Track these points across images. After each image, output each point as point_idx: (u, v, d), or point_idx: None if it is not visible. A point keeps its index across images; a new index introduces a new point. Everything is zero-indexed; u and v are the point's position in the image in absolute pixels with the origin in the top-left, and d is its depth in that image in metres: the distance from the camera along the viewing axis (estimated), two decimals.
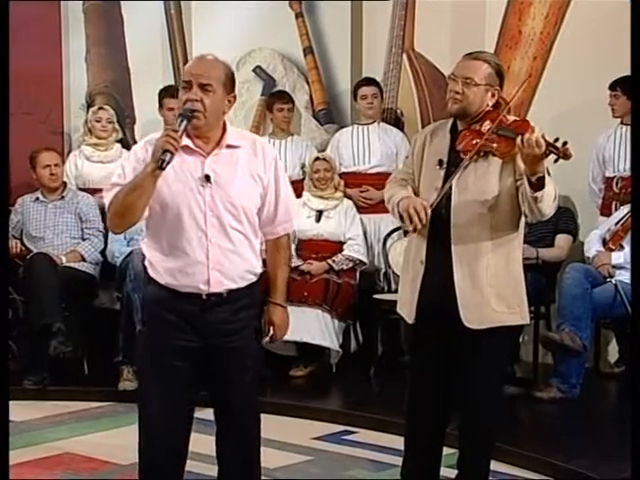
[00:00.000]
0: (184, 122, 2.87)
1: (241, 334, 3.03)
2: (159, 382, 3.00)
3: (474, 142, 3.23)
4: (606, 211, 5.39)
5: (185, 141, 2.93)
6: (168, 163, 2.81)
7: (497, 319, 3.28)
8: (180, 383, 3.00)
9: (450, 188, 3.25)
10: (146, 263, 3.04)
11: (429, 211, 3.19)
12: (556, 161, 3.10)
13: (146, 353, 3.09)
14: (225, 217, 2.96)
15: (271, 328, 3.17)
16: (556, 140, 3.07)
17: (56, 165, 5.77)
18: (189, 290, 2.96)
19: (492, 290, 3.26)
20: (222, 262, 2.96)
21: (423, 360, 3.43)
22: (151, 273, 3.01)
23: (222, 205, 2.95)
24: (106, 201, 2.97)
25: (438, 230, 3.27)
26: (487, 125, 3.24)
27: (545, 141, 3.04)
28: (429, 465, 3.48)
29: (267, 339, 3.17)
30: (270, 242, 3.17)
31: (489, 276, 3.26)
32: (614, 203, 5.34)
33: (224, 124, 3.01)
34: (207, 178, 2.94)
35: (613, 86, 5.29)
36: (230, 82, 2.99)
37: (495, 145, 3.21)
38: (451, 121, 3.38)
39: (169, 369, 2.98)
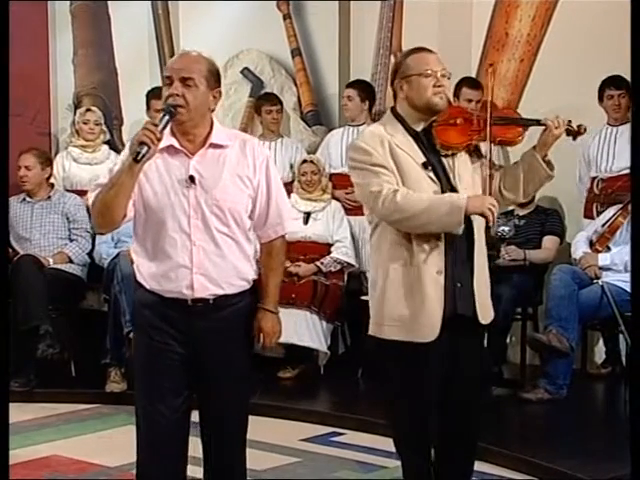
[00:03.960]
0: (165, 117, 2.80)
1: (230, 343, 2.95)
2: (149, 387, 2.94)
3: (470, 134, 3.12)
4: (588, 213, 5.37)
5: (170, 141, 2.87)
6: (144, 156, 2.71)
7: (491, 311, 3.23)
8: (170, 387, 2.93)
9: (451, 185, 3.11)
10: (134, 267, 2.98)
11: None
12: (574, 139, 3.19)
13: (136, 358, 3.03)
14: (210, 220, 2.87)
15: (260, 335, 3.04)
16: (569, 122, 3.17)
17: (27, 167, 5.64)
18: (173, 295, 2.89)
19: (486, 282, 3.21)
20: (207, 266, 2.88)
21: (426, 372, 3.19)
22: (138, 277, 2.96)
23: (207, 207, 2.87)
24: (90, 201, 2.90)
25: (454, 235, 3.08)
26: (475, 117, 3.13)
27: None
28: (425, 468, 3.43)
29: (258, 346, 3.07)
30: (263, 246, 3.07)
31: (485, 268, 3.21)
32: (595, 205, 5.32)
33: (212, 122, 2.93)
34: (191, 179, 2.86)
35: (606, 88, 5.25)
36: (213, 77, 2.90)
37: (501, 133, 3.16)
38: (396, 123, 3.12)
39: (158, 374, 2.92)
